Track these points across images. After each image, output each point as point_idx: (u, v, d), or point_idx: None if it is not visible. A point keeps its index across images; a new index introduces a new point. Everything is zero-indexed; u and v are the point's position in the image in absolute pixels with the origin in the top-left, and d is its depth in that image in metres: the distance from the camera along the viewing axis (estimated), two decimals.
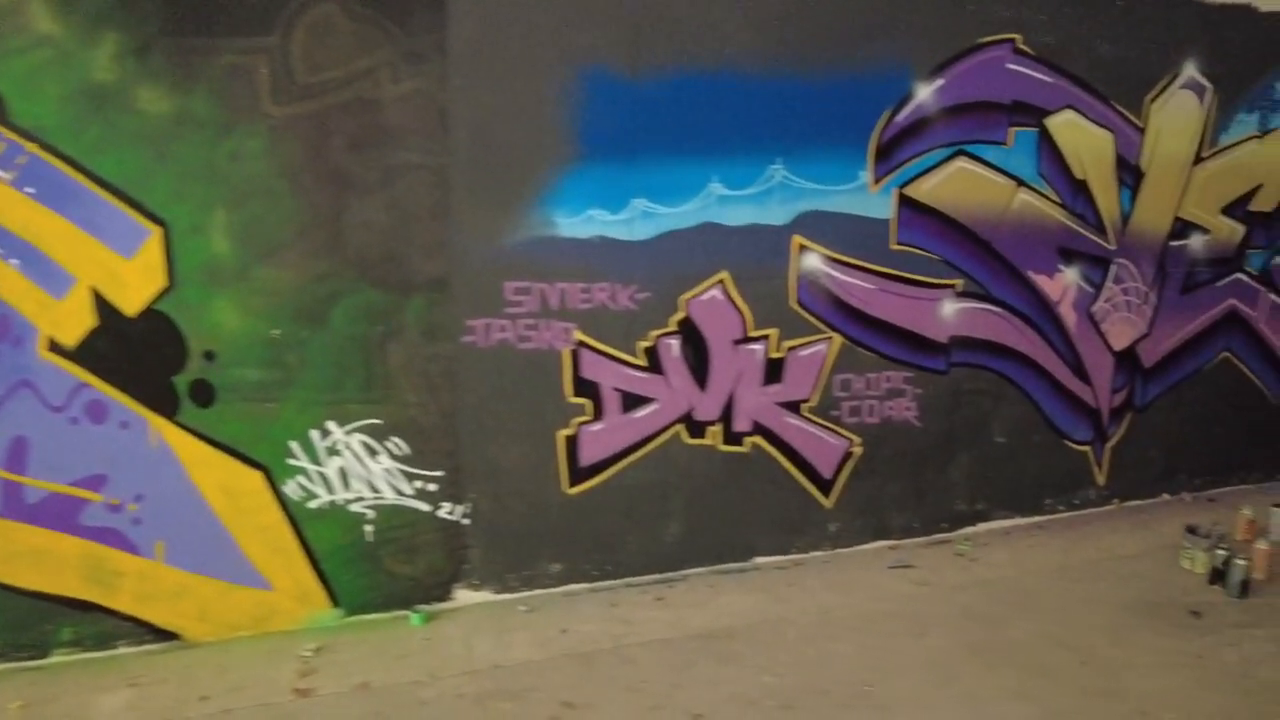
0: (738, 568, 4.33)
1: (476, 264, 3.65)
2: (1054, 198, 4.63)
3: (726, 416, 4.18)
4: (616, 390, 3.96)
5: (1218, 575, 4.14)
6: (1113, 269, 4.87)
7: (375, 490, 3.69)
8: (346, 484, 3.64)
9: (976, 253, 4.51)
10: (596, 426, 3.96)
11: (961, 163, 4.38)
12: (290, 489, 3.57)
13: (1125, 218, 4.84)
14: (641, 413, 4.03)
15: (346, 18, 3.33)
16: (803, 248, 4.15)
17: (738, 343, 4.13)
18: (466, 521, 3.84)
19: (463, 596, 3.91)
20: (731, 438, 4.21)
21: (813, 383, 4.31)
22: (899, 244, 4.34)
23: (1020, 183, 4.53)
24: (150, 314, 3.30)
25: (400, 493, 3.73)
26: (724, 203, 3.97)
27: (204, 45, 3.20)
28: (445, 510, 3.80)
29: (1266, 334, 5.43)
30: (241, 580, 3.58)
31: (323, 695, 3.20)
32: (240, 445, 3.48)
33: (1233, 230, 5.17)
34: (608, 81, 3.69)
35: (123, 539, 3.39)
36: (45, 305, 3.17)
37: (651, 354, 3.99)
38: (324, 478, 3.61)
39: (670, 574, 4.21)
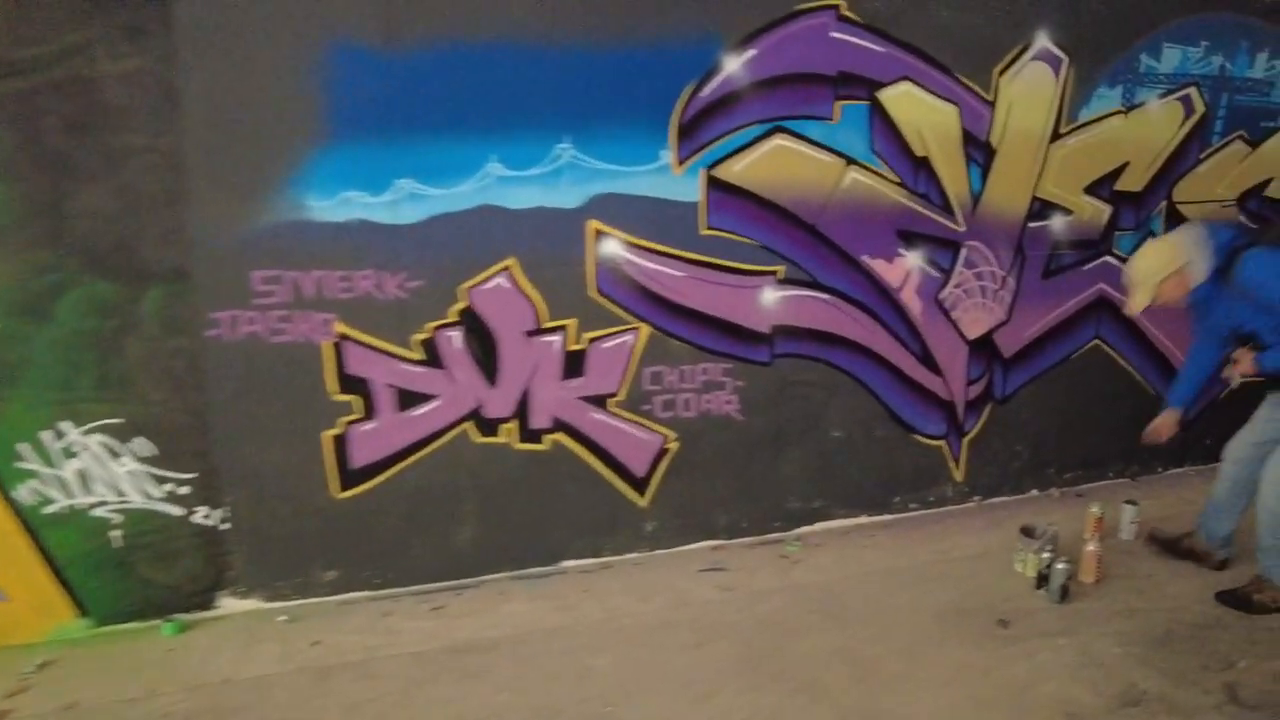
0: (541, 573, 4.11)
1: (218, 252, 3.41)
2: (891, 177, 4.35)
3: (522, 413, 3.95)
4: (390, 386, 3.73)
5: (1043, 580, 3.89)
6: (963, 252, 4.60)
7: (121, 494, 3.48)
8: (87, 488, 3.43)
9: (800, 237, 4.25)
10: (368, 426, 3.73)
11: (779, 140, 4.10)
12: (22, 494, 3.36)
13: (976, 198, 4.56)
14: (421, 410, 3.80)
15: None
16: (600, 232, 3.89)
17: (530, 334, 3.89)
18: (226, 527, 3.63)
19: (228, 605, 3.71)
20: (529, 435, 3.98)
21: (619, 376, 4.07)
22: (710, 228, 4.07)
23: (850, 161, 4.25)
24: None
25: (149, 496, 3.51)
26: (505, 184, 3.71)
27: None
28: (201, 515, 3.59)
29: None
30: None
31: (19, 717, 3.00)
32: None
33: (1098, 210, 4.88)
34: (359, 54, 3.43)
35: None
36: None
37: (430, 347, 3.76)
38: (61, 481, 3.39)
39: (464, 580, 4.00)
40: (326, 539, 3.78)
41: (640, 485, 4.22)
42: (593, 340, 3.99)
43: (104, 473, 3.44)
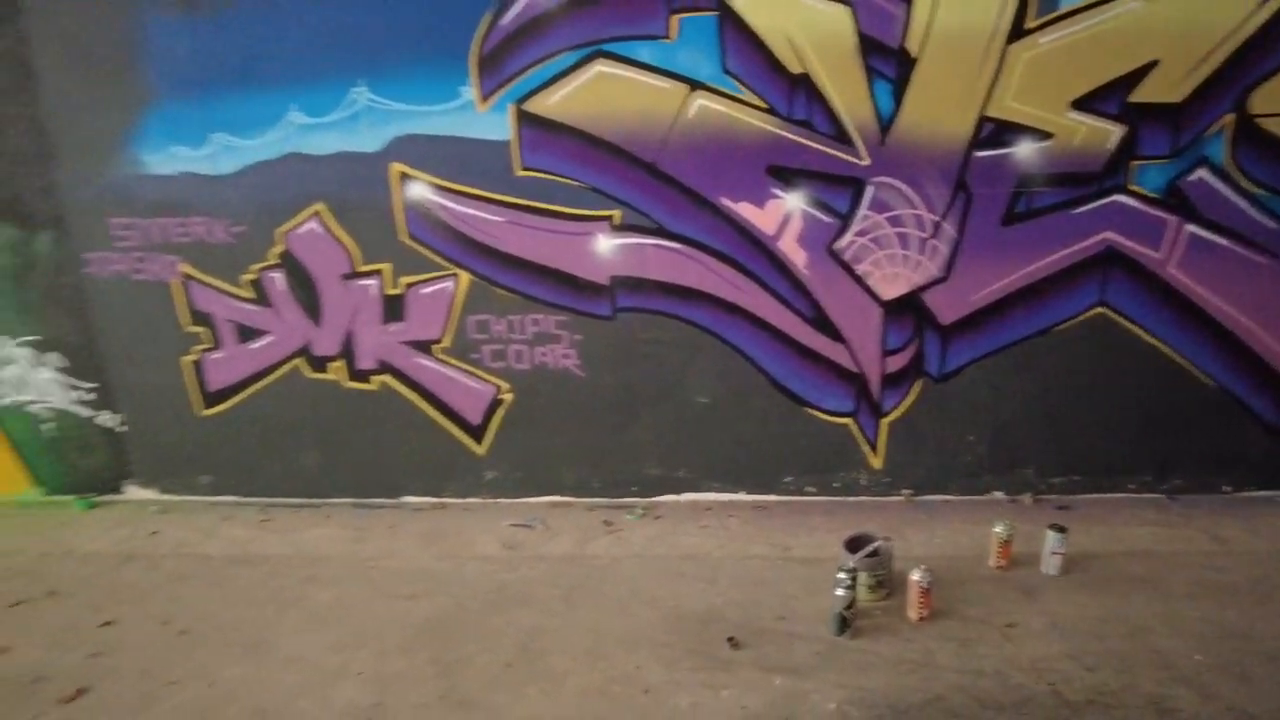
0: (380, 504, 4.33)
1: (83, 202, 4.02)
2: (755, 102, 3.62)
3: (349, 353, 4.13)
4: (230, 321, 4.13)
5: None
6: (869, 192, 3.70)
7: (47, 395, 4.37)
8: (24, 389, 4.36)
9: (637, 177, 3.75)
10: (217, 355, 4.19)
11: (601, 67, 3.62)
12: None
13: (886, 122, 3.61)
14: (257, 344, 4.15)
15: None
16: (405, 176, 3.83)
17: (347, 277, 4.01)
18: (124, 429, 4.38)
19: (133, 492, 4.50)
20: (357, 375, 4.16)
21: (441, 322, 4.03)
22: (526, 169, 3.78)
23: (695, 85, 3.62)
24: None
25: (68, 400, 4.36)
26: (307, 131, 3.82)
27: None
28: (104, 418, 4.37)
29: (1183, 283, 3.71)
30: None
31: None
32: None
33: (1097, 132, 3.55)
34: (168, 21, 3.71)
35: None
36: None
37: (258, 287, 4.07)
38: (7, 382, 4.36)
39: (312, 500, 4.38)
40: (201, 449, 4.38)
41: (476, 433, 4.20)
42: (410, 285, 3.99)
43: (33, 378, 4.33)
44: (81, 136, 3.93)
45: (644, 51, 3.59)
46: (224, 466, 4.40)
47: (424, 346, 4.08)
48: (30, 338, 4.27)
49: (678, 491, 4.21)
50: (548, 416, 4.13)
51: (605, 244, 3.85)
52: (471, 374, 4.09)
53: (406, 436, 4.23)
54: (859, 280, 3.82)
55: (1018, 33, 3.46)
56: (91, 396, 4.34)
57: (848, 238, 3.76)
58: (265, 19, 3.68)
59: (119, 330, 4.21)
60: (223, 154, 3.88)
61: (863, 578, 3.22)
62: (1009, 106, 3.55)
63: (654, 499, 4.21)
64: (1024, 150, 3.59)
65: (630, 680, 2.90)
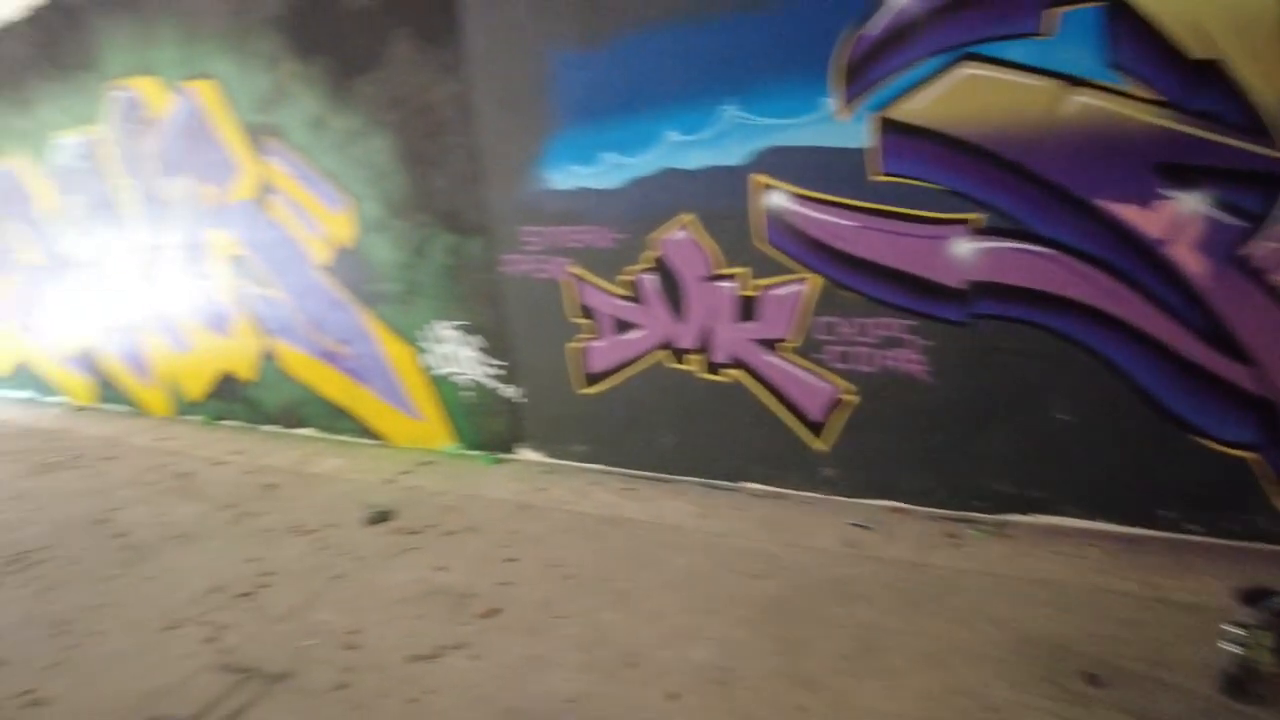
0: (724, 486, 4.69)
1: (502, 214, 4.87)
2: (1145, 95, 3.31)
3: (706, 348, 4.52)
4: (608, 315, 4.74)
5: None
6: None
7: (469, 370, 5.38)
8: (453, 363, 5.42)
9: (1003, 179, 3.61)
10: (597, 343, 4.83)
11: (969, 69, 3.55)
12: (426, 360, 5.53)
13: None
14: (630, 336, 4.72)
15: (410, 47, 4.84)
16: (765, 186, 4.10)
17: (708, 279, 4.39)
18: (523, 401, 5.25)
19: (525, 454, 5.37)
20: (711, 367, 4.54)
21: (791, 322, 4.25)
22: (885, 174, 3.83)
23: (1074, 82, 3.39)
24: (355, 249, 5.54)
25: (483, 374, 5.33)
26: (681, 149, 4.24)
27: (347, 84, 5.12)
28: (509, 391, 5.27)
29: None
30: (410, 414, 5.75)
31: (402, 485, 5.18)
32: (397, 329, 5.56)
33: None
34: (569, 59, 4.37)
35: (359, 375, 5.88)
36: (309, 240, 5.69)
37: (633, 286, 4.62)
38: (441, 356, 5.45)
39: (666, 476, 4.87)
40: (577, 422, 5.09)
41: (817, 430, 4.36)
42: (764, 288, 4.26)
43: (459, 354, 5.36)
44: (504, 160, 4.77)
45: (1016, 50, 3.45)
46: (596, 439, 5.07)
47: (772, 345, 4.34)
48: (461, 322, 5.29)
49: (1029, 512, 3.99)
50: (891, 421, 4.16)
51: (962, 248, 3.77)
52: (814, 373, 4.26)
53: (752, 427, 4.52)
54: (1273, 292, 3.31)
55: None
56: (501, 372, 5.26)
57: (1261, 243, 3.28)
58: (647, 50, 4.15)
59: (523, 319, 5.04)
60: (611, 171, 4.46)
61: (1262, 636, 2.83)
62: None
63: (1002, 517, 4.04)
64: None
65: (974, 694, 2.89)
